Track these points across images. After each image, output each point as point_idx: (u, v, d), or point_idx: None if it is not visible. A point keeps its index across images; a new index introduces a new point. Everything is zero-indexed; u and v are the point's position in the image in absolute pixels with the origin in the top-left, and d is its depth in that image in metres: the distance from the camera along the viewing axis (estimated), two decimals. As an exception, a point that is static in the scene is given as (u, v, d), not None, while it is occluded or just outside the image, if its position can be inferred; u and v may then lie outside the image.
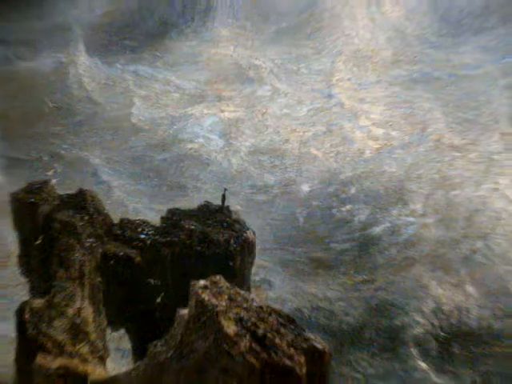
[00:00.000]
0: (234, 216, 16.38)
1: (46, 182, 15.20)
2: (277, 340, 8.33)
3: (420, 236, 25.00)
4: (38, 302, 12.48)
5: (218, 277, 9.31)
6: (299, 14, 46.35)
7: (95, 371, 11.18)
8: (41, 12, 42.44)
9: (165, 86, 37.51)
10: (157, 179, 28.62)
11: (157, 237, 15.49)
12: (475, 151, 30.19)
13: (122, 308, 15.16)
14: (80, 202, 14.96)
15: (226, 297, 8.89)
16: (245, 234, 15.80)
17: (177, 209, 16.61)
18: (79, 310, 12.83)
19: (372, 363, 19.64)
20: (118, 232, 15.48)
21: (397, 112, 34.48)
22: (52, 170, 27.82)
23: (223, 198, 16.53)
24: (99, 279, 14.44)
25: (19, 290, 15.50)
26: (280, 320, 8.72)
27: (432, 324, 20.86)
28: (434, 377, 19.20)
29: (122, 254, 14.99)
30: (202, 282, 9.13)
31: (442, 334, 20.62)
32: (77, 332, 12.44)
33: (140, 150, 31.06)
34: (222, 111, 34.91)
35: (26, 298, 13.44)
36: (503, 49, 39.87)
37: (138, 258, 15.08)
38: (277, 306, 9.24)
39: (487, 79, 36.60)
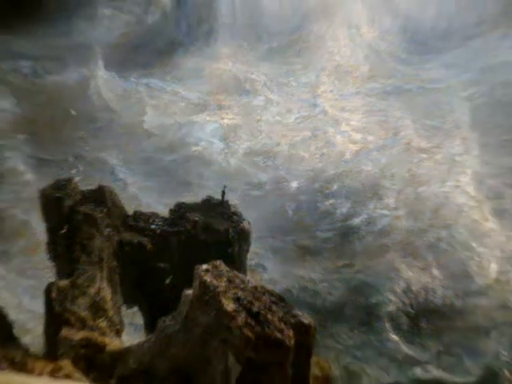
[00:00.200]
0: (232, 209, 16.30)
1: (70, 180, 15.08)
2: (269, 316, 8.31)
3: (393, 226, 25.01)
4: (63, 283, 12.43)
5: (218, 261, 9.26)
6: (289, 34, 46.18)
7: (112, 343, 11.17)
8: (64, 31, 42.10)
9: (173, 97, 37.34)
10: (166, 177, 28.50)
11: (165, 227, 15.43)
12: (440, 153, 30.19)
13: (136, 288, 15.12)
14: (99, 196, 14.88)
15: (226, 279, 8.86)
16: (242, 225, 15.75)
17: (183, 203, 16.52)
18: (99, 289, 12.79)
19: (351, 336, 19.66)
20: (132, 223, 15.42)
21: (373, 119, 34.43)
22: (75, 169, 27.66)
23: (223, 193, 16.44)
24: (116, 263, 14.38)
25: (46, 273, 15.42)
26: (272, 299, 8.69)
27: (403, 302, 20.89)
28: (404, 347, 19.25)
29: (135, 241, 14.94)
30: (204, 266, 9.08)
31: (412, 310, 20.67)
32: (97, 309, 12.41)
33: (151, 151, 30.93)
34: (222, 118, 34.80)
35: (52, 279, 13.38)
36: (464, 66, 39.82)
37: (150, 245, 15.03)
38: (269, 287, 9.20)
39: (450, 91, 36.59)
